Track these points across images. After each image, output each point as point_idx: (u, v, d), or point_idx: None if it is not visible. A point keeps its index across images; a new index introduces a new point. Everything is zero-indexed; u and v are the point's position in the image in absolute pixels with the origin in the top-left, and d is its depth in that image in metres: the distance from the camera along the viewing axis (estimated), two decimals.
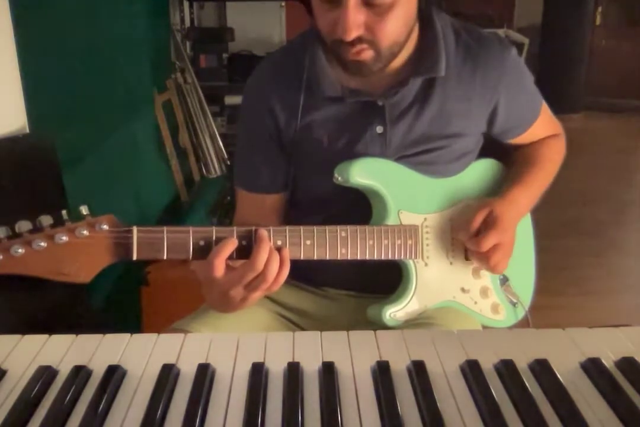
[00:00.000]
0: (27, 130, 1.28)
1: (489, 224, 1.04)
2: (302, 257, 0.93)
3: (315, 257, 0.94)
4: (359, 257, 0.98)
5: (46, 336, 0.80)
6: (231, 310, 0.96)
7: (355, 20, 0.90)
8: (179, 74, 3.24)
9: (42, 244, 0.78)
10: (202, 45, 3.93)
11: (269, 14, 4.79)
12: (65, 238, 0.79)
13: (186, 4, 3.89)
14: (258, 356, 0.75)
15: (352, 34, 0.91)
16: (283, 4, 4.77)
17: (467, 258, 1.09)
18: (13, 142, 1.20)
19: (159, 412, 0.65)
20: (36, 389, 0.69)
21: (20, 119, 1.26)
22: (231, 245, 0.88)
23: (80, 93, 1.80)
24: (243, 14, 4.63)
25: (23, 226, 0.77)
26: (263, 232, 0.89)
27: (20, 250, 0.77)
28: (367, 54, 0.95)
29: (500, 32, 4.61)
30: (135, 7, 2.56)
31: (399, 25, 0.94)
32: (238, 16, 4.65)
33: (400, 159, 1.06)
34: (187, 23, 3.98)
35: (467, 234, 1.04)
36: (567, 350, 0.77)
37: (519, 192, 1.10)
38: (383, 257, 1.00)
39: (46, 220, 0.78)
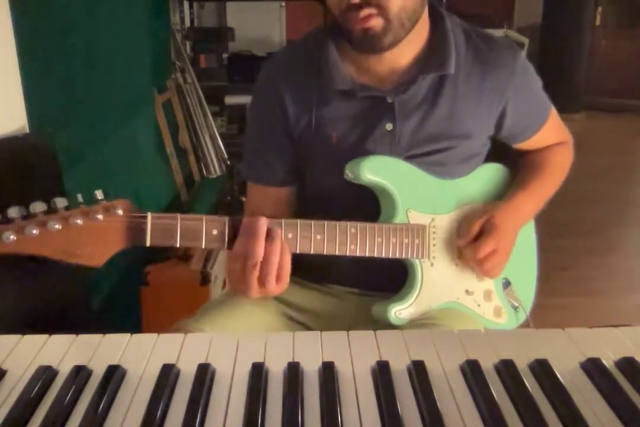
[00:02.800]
0: (27, 130, 1.28)
1: (487, 230, 1.05)
2: (312, 251, 0.94)
3: (325, 252, 0.95)
4: (367, 254, 0.98)
5: (46, 336, 0.80)
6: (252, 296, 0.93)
7: None
8: (179, 74, 3.25)
9: (57, 226, 0.77)
10: (202, 45, 3.93)
11: (269, 14, 4.81)
12: (79, 221, 0.79)
13: (186, 4, 3.89)
14: (258, 356, 0.75)
15: None
16: (283, 4, 4.79)
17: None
18: (13, 142, 1.20)
19: (159, 412, 0.65)
20: (36, 389, 0.69)
21: (20, 119, 1.26)
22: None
23: (80, 93, 1.80)
24: (243, 14, 4.64)
25: (37, 206, 0.77)
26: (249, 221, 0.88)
27: (34, 231, 0.76)
28: (376, 22, 0.95)
29: (500, 32, 4.61)
30: (135, 7, 2.56)
31: None
32: (238, 16, 4.66)
33: (409, 158, 1.06)
34: (187, 23, 3.99)
35: (465, 241, 1.05)
36: (567, 350, 0.77)
37: (523, 198, 1.11)
38: (391, 255, 1.01)
39: (61, 202, 0.78)
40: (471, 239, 1.05)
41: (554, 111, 1.19)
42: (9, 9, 1.21)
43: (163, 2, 3.33)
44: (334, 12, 0.99)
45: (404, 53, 1.03)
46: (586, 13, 5.78)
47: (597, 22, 6.04)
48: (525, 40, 4.53)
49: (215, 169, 3.31)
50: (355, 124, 1.06)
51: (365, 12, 0.94)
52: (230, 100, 3.86)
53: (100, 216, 0.80)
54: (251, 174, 1.17)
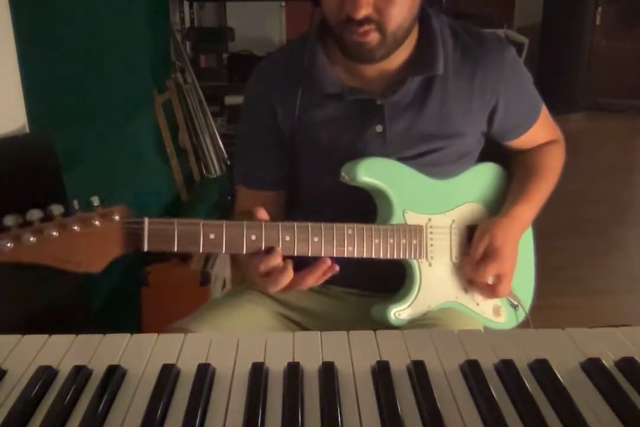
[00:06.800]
0: (27, 130, 1.28)
1: (489, 253, 1.05)
2: (310, 254, 0.94)
3: (323, 254, 0.95)
4: (365, 256, 0.99)
5: (46, 336, 0.80)
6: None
7: None
8: (179, 74, 3.24)
9: (54, 233, 0.77)
10: (202, 45, 3.93)
11: (269, 14, 4.79)
12: (77, 228, 0.79)
13: (186, 4, 3.89)
14: (258, 356, 0.75)
15: (362, 12, 0.92)
16: (283, 4, 4.77)
17: None
18: (13, 142, 1.20)
19: (159, 412, 0.65)
20: (36, 389, 0.69)
21: (20, 119, 1.26)
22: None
23: (80, 93, 1.80)
24: (243, 14, 4.63)
25: (34, 214, 0.76)
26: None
27: (31, 239, 0.76)
28: (373, 36, 0.96)
29: (500, 32, 4.61)
30: (135, 7, 2.56)
31: (405, 9, 0.96)
32: (238, 16, 4.65)
33: (401, 160, 1.06)
34: (187, 23, 3.98)
35: (470, 264, 1.06)
36: (567, 350, 0.77)
37: (522, 208, 1.11)
38: (389, 256, 1.01)
39: (57, 209, 0.78)
40: (475, 262, 1.06)
41: (544, 109, 1.18)
42: (9, 9, 1.21)
43: (163, 2, 3.33)
44: (329, 19, 0.99)
45: (394, 57, 1.03)
46: (586, 13, 5.77)
47: (597, 22, 6.03)
48: (525, 40, 4.54)
49: (215, 169, 3.31)
50: (346, 127, 1.06)
51: (366, 28, 0.94)
52: (230, 100, 3.85)
53: (97, 223, 0.80)
54: (240, 177, 1.18)
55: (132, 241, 0.83)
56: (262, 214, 0.92)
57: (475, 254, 1.06)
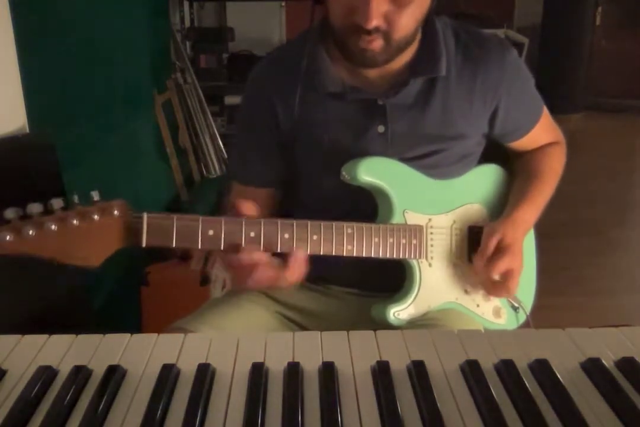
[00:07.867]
0: (27, 130, 1.28)
1: (500, 250, 1.05)
2: (309, 252, 0.94)
3: (322, 253, 0.95)
4: (364, 255, 0.98)
5: (46, 336, 0.80)
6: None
7: (378, 8, 0.91)
8: (179, 74, 3.25)
9: (54, 226, 0.77)
10: (202, 45, 3.93)
11: (269, 14, 4.80)
12: (76, 222, 0.78)
13: (186, 4, 3.89)
14: (258, 356, 0.75)
15: (373, 23, 0.92)
16: (283, 4, 4.78)
17: (470, 260, 1.09)
18: (13, 142, 1.20)
19: (159, 412, 0.65)
20: (36, 389, 0.69)
21: (20, 119, 1.26)
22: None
23: (80, 93, 1.80)
24: (243, 14, 4.63)
25: (34, 208, 0.77)
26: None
27: (31, 232, 0.76)
28: (378, 44, 0.96)
29: (500, 32, 4.61)
30: (135, 7, 2.57)
31: (413, 20, 0.96)
32: (238, 16, 4.65)
33: (403, 161, 1.06)
34: (187, 23, 3.99)
35: (482, 261, 1.06)
36: (567, 350, 0.77)
37: (526, 210, 1.11)
38: (388, 256, 1.01)
39: (57, 203, 0.78)
40: (487, 259, 1.05)
41: (546, 110, 1.19)
42: (9, 9, 1.21)
43: (163, 2, 3.33)
44: (334, 23, 0.99)
45: (397, 59, 1.03)
46: (586, 13, 5.78)
47: (597, 22, 6.03)
48: (525, 40, 4.53)
49: (215, 169, 3.31)
50: (347, 127, 1.06)
51: (373, 37, 0.95)
52: (230, 100, 3.86)
53: (96, 217, 0.80)
54: (233, 173, 1.19)
55: (131, 236, 0.83)
56: (247, 208, 0.90)
57: (486, 250, 1.05)
